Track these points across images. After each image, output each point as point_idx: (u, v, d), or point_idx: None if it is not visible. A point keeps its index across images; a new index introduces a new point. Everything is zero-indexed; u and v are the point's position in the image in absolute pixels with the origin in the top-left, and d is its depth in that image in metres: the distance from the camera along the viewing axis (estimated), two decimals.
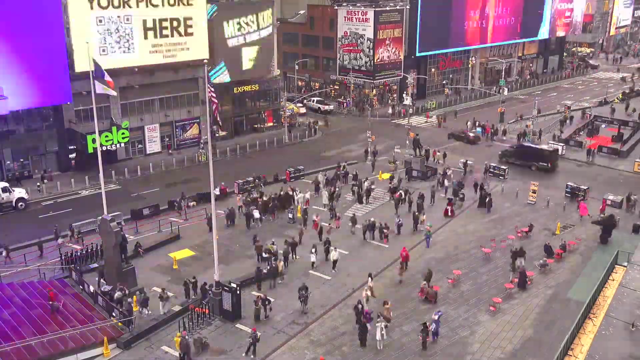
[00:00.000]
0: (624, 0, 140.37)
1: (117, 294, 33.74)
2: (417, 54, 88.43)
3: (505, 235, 43.38)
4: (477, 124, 72.95)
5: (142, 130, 63.23)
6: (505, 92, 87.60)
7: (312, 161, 61.38)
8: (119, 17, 57.54)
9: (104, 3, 56.29)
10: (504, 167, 56.65)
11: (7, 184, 49.87)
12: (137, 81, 61.33)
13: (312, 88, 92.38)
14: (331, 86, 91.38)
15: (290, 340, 31.30)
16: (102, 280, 35.87)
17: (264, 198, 48.06)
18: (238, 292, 32.69)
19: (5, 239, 41.94)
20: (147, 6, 59.13)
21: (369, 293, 34.15)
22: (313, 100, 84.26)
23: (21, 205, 49.16)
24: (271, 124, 74.84)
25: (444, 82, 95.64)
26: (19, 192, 49.66)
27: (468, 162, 58.02)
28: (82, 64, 52.78)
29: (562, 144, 64.40)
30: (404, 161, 59.29)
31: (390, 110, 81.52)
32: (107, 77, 36.35)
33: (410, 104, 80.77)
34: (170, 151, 64.04)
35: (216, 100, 30.55)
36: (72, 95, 55.34)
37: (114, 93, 39.30)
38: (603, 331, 28.66)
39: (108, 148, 55.57)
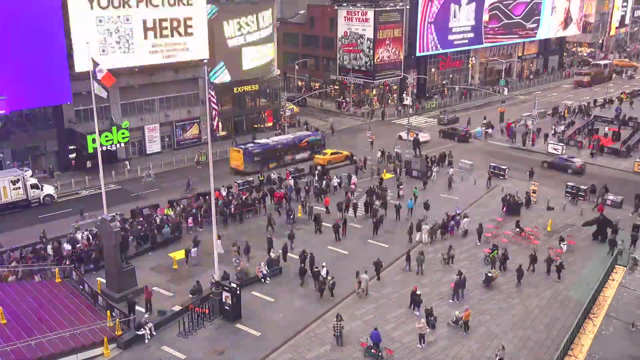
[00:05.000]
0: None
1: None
2: (417, 54, 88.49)
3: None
4: (483, 125, 72.81)
5: (142, 130, 63.31)
6: (505, 92, 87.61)
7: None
8: (119, 17, 57.52)
9: (104, 3, 56.28)
10: (504, 167, 56.60)
11: (36, 181, 50.94)
12: (137, 81, 61.36)
13: (312, 88, 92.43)
14: (331, 86, 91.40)
15: (291, 340, 31.35)
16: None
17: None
18: (238, 292, 32.73)
19: (5, 239, 41.97)
20: (147, 6, 59.15)
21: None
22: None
23: (48, 200, 50.52)
24: (271, 124, 74.90)
25: (444, 82, 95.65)
26: (47, 189, 51.21)
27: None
28: (82, 64, 52.89)
29: (562, 144, 64.45)
30: (403, 160, 59.37)
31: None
32: (101, 75, 34.55)
33: (410, 104, 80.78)
34: (129, 166, 59.23)
35: (216, 108, 29.78)
36: (72, 95, 55.38)
37: (104, 95, 36.75)
38: (603, 331, 28.68)
39: (108, 148, 55.58)
